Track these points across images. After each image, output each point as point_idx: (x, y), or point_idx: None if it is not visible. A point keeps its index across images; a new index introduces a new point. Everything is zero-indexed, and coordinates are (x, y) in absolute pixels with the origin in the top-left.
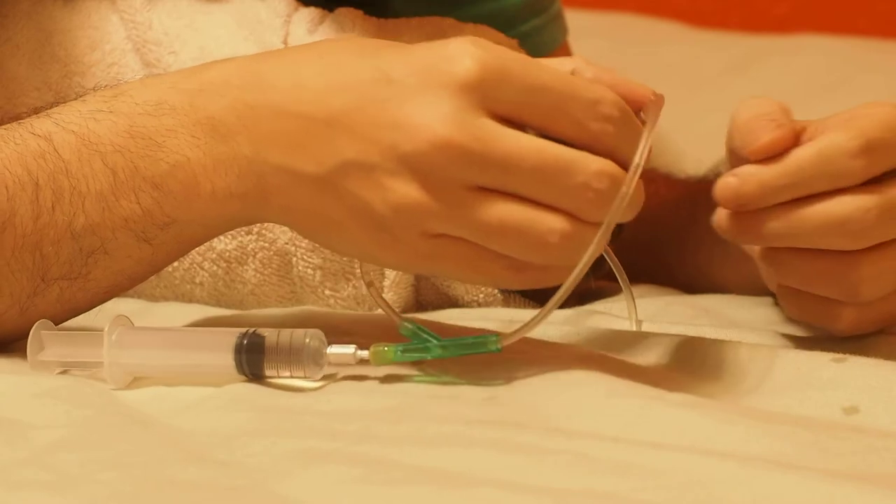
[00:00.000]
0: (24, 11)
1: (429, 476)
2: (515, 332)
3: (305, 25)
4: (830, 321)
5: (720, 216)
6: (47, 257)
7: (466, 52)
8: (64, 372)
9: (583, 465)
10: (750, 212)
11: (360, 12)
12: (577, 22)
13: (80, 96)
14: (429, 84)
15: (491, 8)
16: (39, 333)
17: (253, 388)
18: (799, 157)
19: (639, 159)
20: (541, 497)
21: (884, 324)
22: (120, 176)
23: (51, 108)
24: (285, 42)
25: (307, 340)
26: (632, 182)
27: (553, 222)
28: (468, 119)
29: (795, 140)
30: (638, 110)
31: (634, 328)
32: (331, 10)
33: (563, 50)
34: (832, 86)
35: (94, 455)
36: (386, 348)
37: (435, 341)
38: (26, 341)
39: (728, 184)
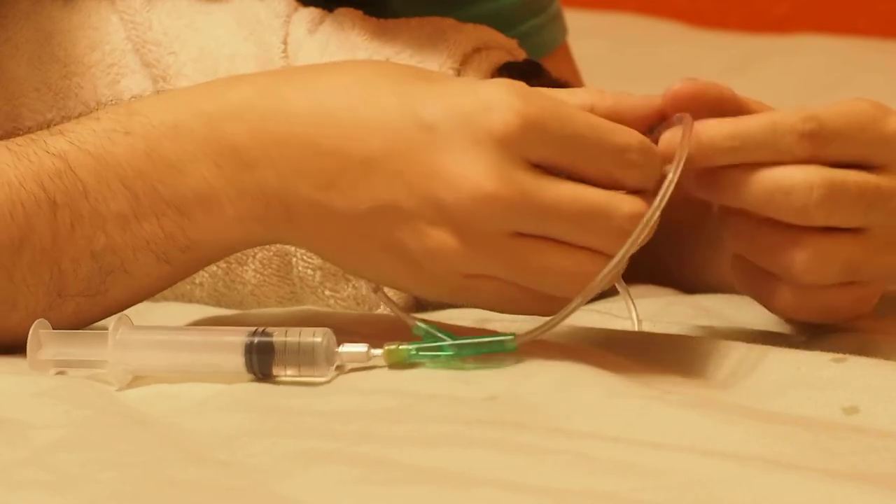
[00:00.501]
0: (23, 11)
1: (429, 476)
2: (531, 332)
3: (305, 26)
4: (768, 297)
5: None
6: (65, 274)
7: (505, 104)
8: (62, 372)
9: (583, 465)
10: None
11: (359, 12)
12: (577, 22)
13: (93, 113)
14: (467, 135)
15: (490, 8)
16: (38, 333)
17: (254, 389)
18: (749, 122)
19: (665, 189)
20: (541, 497)
21: (827, 317)
22: (142, 200)
23: (62, 122)
24: (285, 42)
25: (319, 339)
26: (659, 207)
27: (587, 264)
28: (509, 172)
29: (718, 98)
30: (657, 124)
31: (635, 328)
32: (330, 10)
33: (562, 50)
34: (832, 86)
35: (94, 455)
36: (400, 347)
37: (449, 340)
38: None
39: (674, 138)
